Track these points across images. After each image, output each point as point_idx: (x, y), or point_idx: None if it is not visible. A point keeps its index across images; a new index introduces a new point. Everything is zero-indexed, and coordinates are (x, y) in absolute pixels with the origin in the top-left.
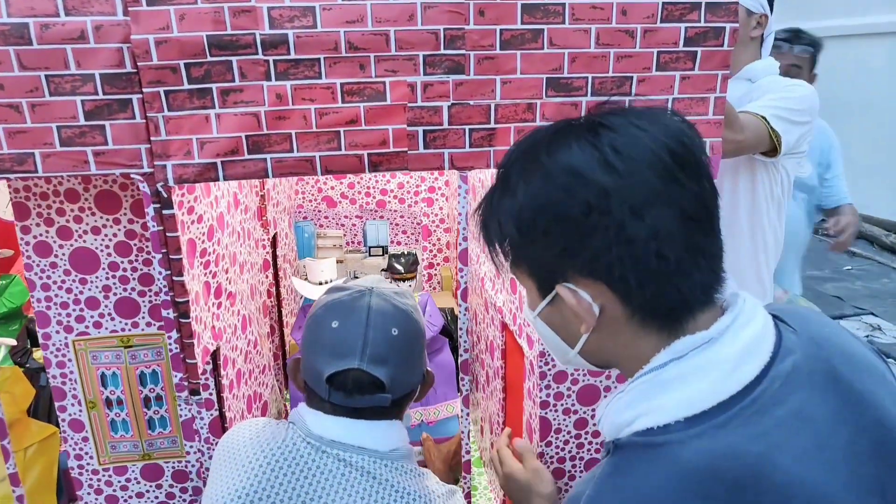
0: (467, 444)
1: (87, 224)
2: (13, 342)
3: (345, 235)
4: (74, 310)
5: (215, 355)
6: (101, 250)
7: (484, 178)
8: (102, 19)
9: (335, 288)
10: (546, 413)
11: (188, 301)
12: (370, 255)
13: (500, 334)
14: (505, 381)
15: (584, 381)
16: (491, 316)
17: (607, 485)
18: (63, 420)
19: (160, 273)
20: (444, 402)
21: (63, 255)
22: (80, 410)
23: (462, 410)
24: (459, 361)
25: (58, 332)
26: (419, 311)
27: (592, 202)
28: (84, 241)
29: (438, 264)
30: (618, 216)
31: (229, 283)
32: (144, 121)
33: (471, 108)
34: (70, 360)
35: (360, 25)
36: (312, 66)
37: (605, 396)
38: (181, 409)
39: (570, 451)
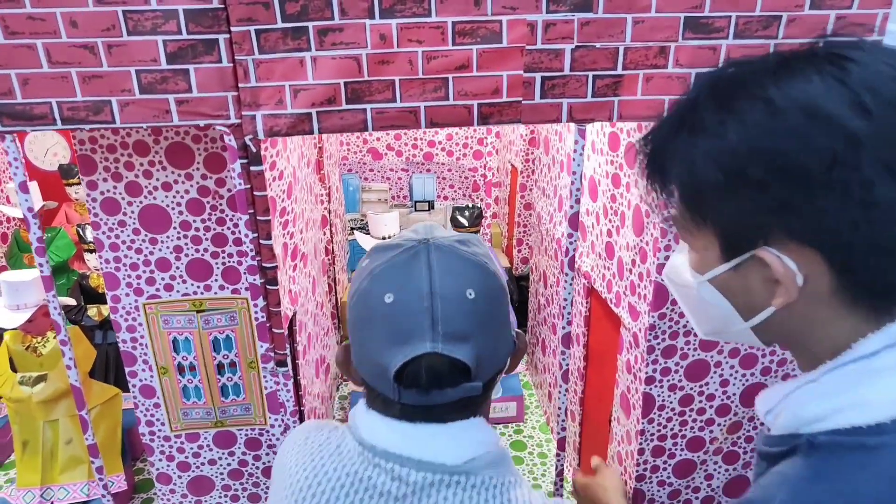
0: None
1: (158, 179)
2: (73, 302)
3: (390, 189)
4: (144, 271)
5: (291, 321)
6: (173, 208)
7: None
8: None
9: (380, 247)
10: (651, 389)
11: (276, 266)
12: (416, 210)
13: (585, 300)
14: (587, 349)
15: (694, 355)
16: (570, 279)
17: (808, 493)
18: (133, 386)
19: (246, 236)
20: None
21: (132, 212)
22: (152, 376)
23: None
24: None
25: (127, 294)
26: (494, 261)
27: (838, 153)
28: (154, 198)
29: (485, 220)
30: (867, 173)
31: (303, 243)
32: (232, 64)
33: (596, 52)
34: (140, 325)
35: None
36: (422, 1)
37: (773, 383)
38: (266, 381)
39: (671, 429)
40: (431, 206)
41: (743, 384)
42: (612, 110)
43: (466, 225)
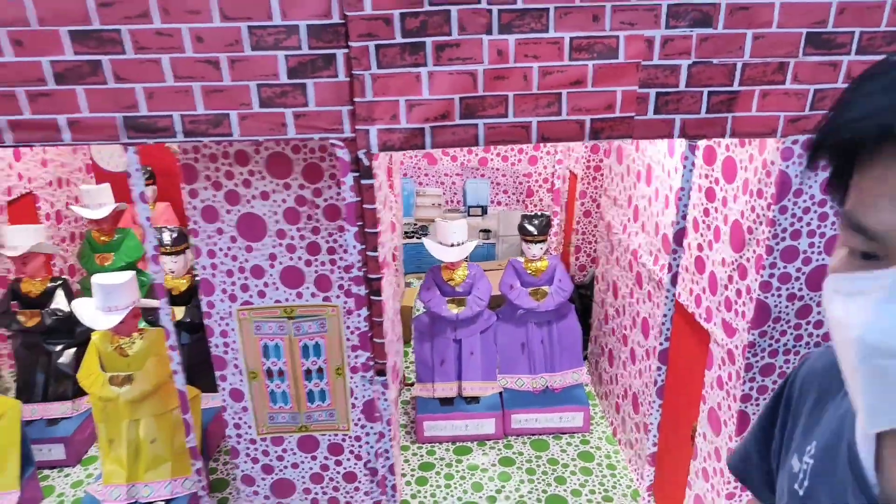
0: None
1: (257, 189)
2: (157, 303)
3: (444, 194)
4: (239, 278)
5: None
6: (269, 216)
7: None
8: None
9: None
10: (746, 407)
11: (381, 278)
12: (469, 216)
13: (663, 314)
14: (667, 363)
15: None
16: (648, 292)
17: None
18: (223, 389)
19: (354, 247)
20: (570, 370)
21: (230, 220)
22: (241, 380)
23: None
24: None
25: (222, 300)
26: None
27: None
28: (252, 207)
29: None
30: None
31: (387, 251)
32: (349, 79)
33: (713, 68)
34: (233, 330)
35: None
36: (540, 17)
37: None
38: (364, 390)
39: None
40: (485, 211)
41: None
42: (725, 126)
43: (535, 234)
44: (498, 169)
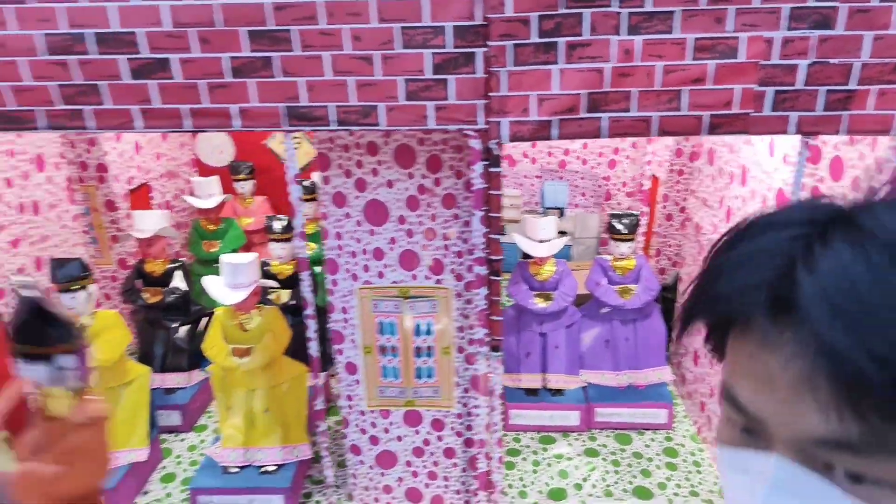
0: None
1: (383, 177)
2: (276, 284)
3: (522, 195)
4: (362, 259)
5: None
6: (392, 203)
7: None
8: None
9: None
10: None
11: (501, 260)
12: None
13: None
14: None
15: None
16: None
17: None
18: (339, 363)
19: (479, 230)
20: (654, 369)
21: (358, 206)
22: (357, 354)
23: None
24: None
25: (345, 279)
26: None
27: None
28: (377, 194)
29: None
30: None
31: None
32: (485, 76)
33: (831, 68)
34: (353, 307)
35: None
36: (667, 19)
37: None
38: (476, 365)
39: None
40: (562, 213)
41: None
42: (840, 124)
43: (625, 232)
44: (577, 171)
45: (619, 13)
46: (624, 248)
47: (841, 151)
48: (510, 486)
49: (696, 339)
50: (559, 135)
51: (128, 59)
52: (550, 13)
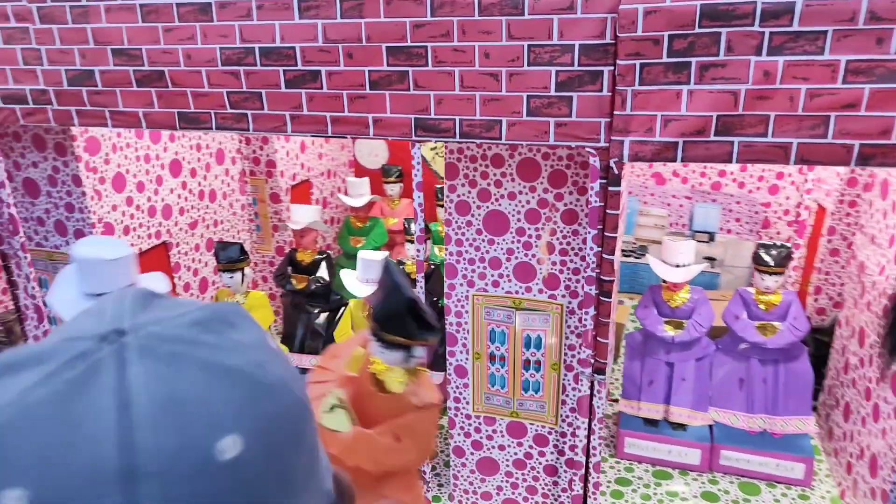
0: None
1: (506, 189)
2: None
3: (669, 216)
4: (479, 267)
5: None
6: (513, 215)
7: None
8: None
9: (10, 360)
10: None
11: (613, 280)
12: (694, 240)
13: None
14: None
15: None
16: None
17: None
18: (450, 364)
19: (591, 249)
20: (796, 417)
21: (479, 215)
22: (467, 359)
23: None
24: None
25: (461, 284)
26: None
27: None
28: (499, 205)
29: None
30: None
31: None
32: (610, 94)
33: None
34: (466, 312)
35: None
36: (816, 39)
37: None
38: (580, 385)
39: None
40: (712, 237)
41: None
42: None
43: (772, 265)
44: (732, 195)
45: (761, 33)
46: (770, 281)
47: None
48: None
49: (849, 391)
50: (683, 157)
51: (284, 70)
52: (684, 32)
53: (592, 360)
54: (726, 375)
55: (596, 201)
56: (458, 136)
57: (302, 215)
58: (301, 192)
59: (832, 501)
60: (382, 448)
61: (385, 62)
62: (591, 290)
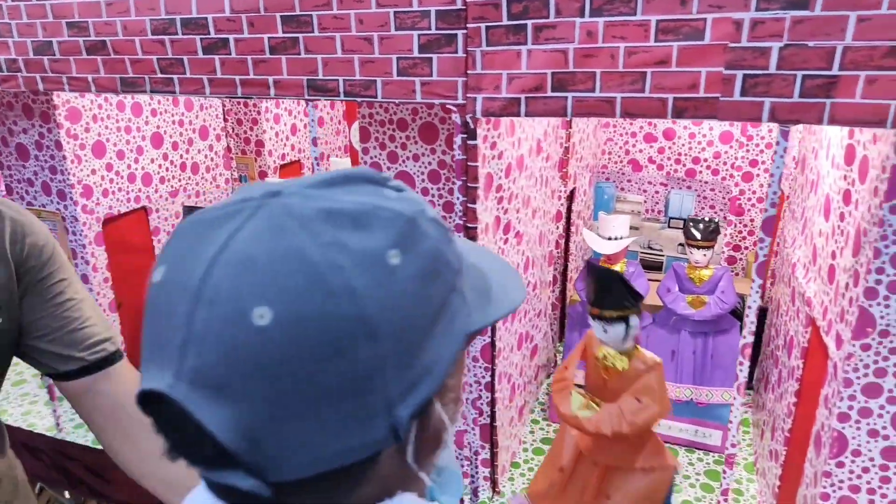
0: (738, 441)
1: (410, 151)
2: None
3: (645, 202)
4: None
5: None
6: (418, 175)
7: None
8: None
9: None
10: (844, 428)
11: (476, 227)
12: (669, 227)
13: (805, 330)
14: (800, 383)
15: None
16: (797, 308)
17: None
18: None
19: (458, 199)
20: (721, 388)
21: (390, 176)
22: None
23: (735, 400)
24: (740, 346)
25: None
26: (414, 255)
27: None
28: (405, 166)
29: (746, 248)
30: None
31: (519, 222)
32: (465, 55)
33: (808, 51)
34: None
35: None
36: (629, 1)
37: None
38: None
39: (868, 481)
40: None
41: None
42: (822, 112)
43: (699, 238)
44: (706, 182)
45: None
46: (699, 255)
47: (868, 150)
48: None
49: (768, 362)
50: (526, 112)
51: (201, 38)
52: None
53: None
54: (659, 347)
55: (459, 154)
56: (342, 94)
57: None
58: (292, 172)
59: (745, 468)
60: (630, 410)
61: (280, 29)
62: (459, 236)
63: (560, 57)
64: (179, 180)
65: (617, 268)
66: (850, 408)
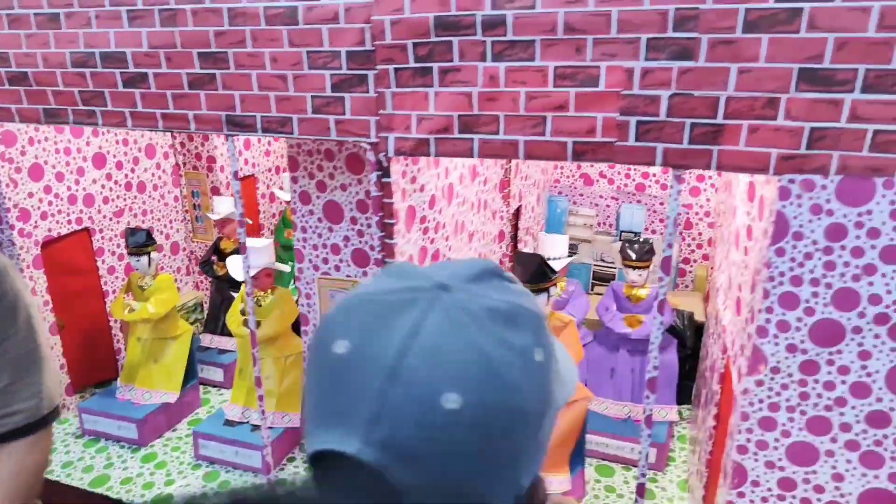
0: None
1: (338, 181)
2: (287, 268)
3: (597, 216)
4: (322, 252)
5: None
6: (346, 205)
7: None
8: (352, 2)
9: (393, 270)
10: (743, 459)
11: (394, 263)
12: (620, 240)
13: (722, 356)
14: (718, 408)
15: (799, 436)
16: (718, 333)
17: None
18: (306, 343)
19: (374, 235)
20: (658, 405)
21: (318, 204)
22: None
23: (680, 416)
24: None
25: (308, 268)
26: (547, 355)
27: None
28: (334, 196)
29: (695, 261)
30: None
31: (450, 249)
32: (376, 95)
33: (695, 100)
34: (314, 294)
35: (580, 6)
36: (527, 47)
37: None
38: None
39: None
40: (638, 237)
41: (862, 485)
42: (710, 159)
43: (635, 259)
44: (656, 196)
45: (483, 41)
46: (634, 275)
47: (764, 191)
48: None
49: (701, 380)
50: (436, 152)
51: (120, 72)
52: (424, 40)
53: None
54: (599, 365)
55: (374, 191)
56: (259, 130)
57: (221, 206)
58: (246, 186)
59: (679, 486)
60: None
61: (197, 65)
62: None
63: (465, 99)
64: (124, 200)
65: (557, 288)
66: (749, 440)
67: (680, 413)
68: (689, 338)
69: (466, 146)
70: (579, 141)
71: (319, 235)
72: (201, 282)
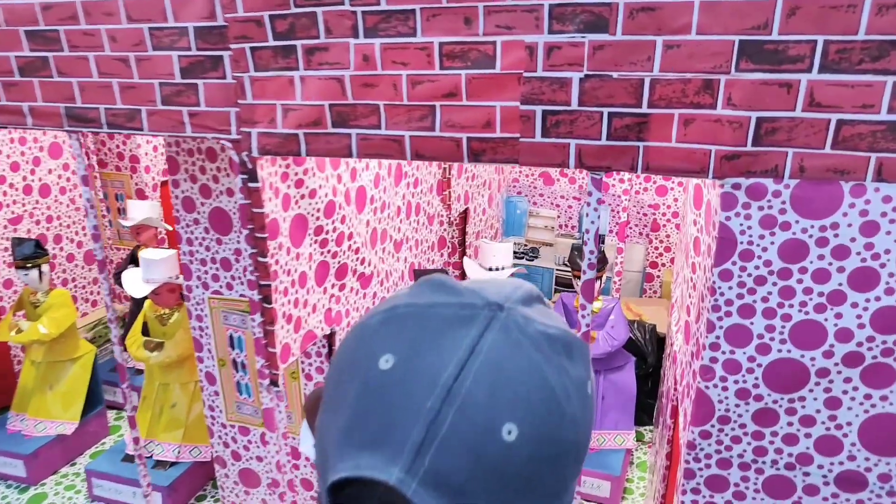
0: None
1: (223, 185)
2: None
3: (559, 217)
4: (211, 268)
5: (331, 339)
6: (233, 212)
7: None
8: None
9: (436, 283)
10: None
11: (270, 285)
12: (584, 243)
13: (675, 388)
14: (671, 445)
15: (755, 499)
16: (673, 356)
17: None
18: (200, 371)
19: (245, 250)
20: (615, 431)
21: (204, 212)
22: (213, 365)
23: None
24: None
25: (197, 286)
26: (593, 388)
27: None
28: (220, 202)
29: (664, 265)
30: None
31: (362, 262)
32: (234, 81)
33: (612, 83)
34: (206, 316)
35: None
36: (407, 19)
37: None
38: (263, 398)
39: None
40: (602, 240)
41: None
42: (635, 158)
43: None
44: (619, 196)
45: (353, 12)
46: None
47: (711, 195)
48: None
49: (662, 410)
50: (307, 150)
51: None
52: (282, 12)
53: (268, 371)
54: None
55: (241, 198)
56: (105, 126)
57: (136, 211)
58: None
59: None
60: None
61: (26, 47)
62: (253, 295)
63: (336, 85)
64: (23, 205)
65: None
66: (696, 501)
67: (640, 436)
68: (650, 353)
69: (343, 143)
70: (475, 137)
71: (207, 249)
72: (123, 293)
